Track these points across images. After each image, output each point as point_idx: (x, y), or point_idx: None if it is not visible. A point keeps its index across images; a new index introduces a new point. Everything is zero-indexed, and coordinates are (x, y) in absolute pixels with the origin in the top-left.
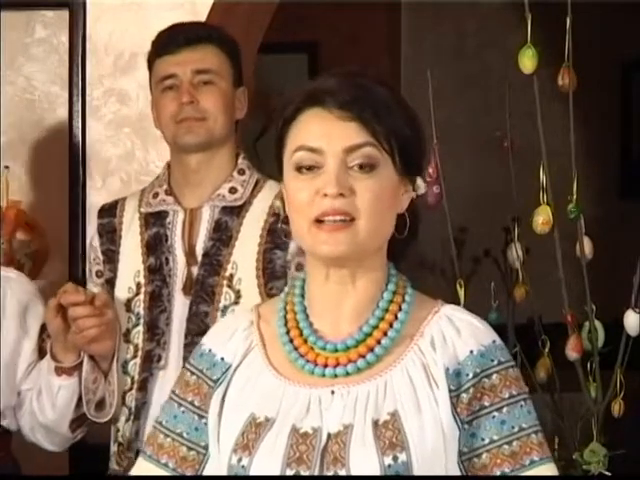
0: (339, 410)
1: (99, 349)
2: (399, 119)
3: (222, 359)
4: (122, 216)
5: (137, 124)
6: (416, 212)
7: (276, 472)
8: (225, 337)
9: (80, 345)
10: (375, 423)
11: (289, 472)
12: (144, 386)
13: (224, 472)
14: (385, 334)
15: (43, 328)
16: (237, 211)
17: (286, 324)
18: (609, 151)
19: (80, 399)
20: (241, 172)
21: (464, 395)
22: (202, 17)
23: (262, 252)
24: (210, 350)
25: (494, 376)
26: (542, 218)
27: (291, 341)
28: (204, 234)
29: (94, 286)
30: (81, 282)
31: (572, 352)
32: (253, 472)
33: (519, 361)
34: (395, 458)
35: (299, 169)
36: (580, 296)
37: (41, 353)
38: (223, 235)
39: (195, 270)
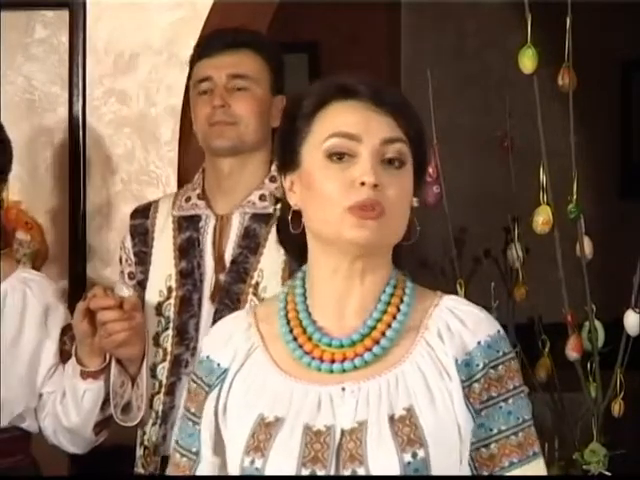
0: (351, 406)
1: (127, 353)
2: (420, 122)
3: (218, 365)
4: (155, 218)
5: (137, 124)
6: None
7: (291, 472)
8: (221, 342)
9: (108, 349)
10: (391, 419)
11: (304, 472)
12: (172, 390)
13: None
14: (389, 326)
15: (64, 330)
16: (266, 219)
17: (288, 323)
18: (609, 151)
19: (105, 402)
20: (272, 179)
21: (476, 385)
22: (202, 17)
23: (288, 261)
24: (208, 357)
25: (500, 367)
26: (542, 218)
27: (295, 339)
28: (233, 241)
29: (126, 288)
30: (81, 282)
31: (572, 352)
32: (268, 473)
33: (519, 361)
34: (414, 455)
35: (330, 156)
36: (580, 296)
37: (62, 356)
38: (251, 243)
39: (222, 277)
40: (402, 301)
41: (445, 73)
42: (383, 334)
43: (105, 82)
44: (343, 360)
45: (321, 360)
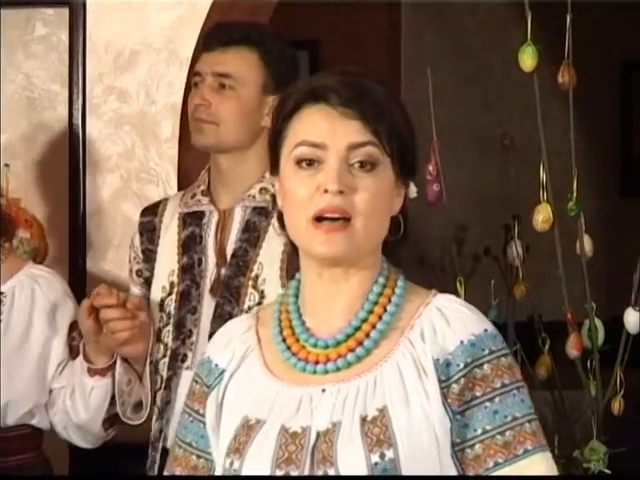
0: (329, 408)
1: (131, 351)
2: (398, 120)
3: (216, 365)
4: (162, 215)
5: (137, 122)
6: (406, 215)
7: (265, 473)
8: (222, 344)
9: (112, 347)
10: (363, 420)
11: (278, 473)
12: (169, 385)
13: None
14: (374, 327)
15: (73, 326)
16: (266, 212)
17: (280, 324)
18: (609, 149)
19: (113, 399)
20: None
21: (454, 386)
22: (202, 15)
23: (287, 253)
24: (209, 357)
25: (485, 366)
26: (542, 216)
27: (284, 341)
28: (235, 235)
29: (134, 285)
30: (82, 279)
31: (572, 350)
32: (244, 474)
33: (519, 359)
34: (382, 455)
35: (299, 163)
36: (580, 294)
37: (71, 351)
38: (251, 236)
39: (223, 271)
40: (390, 301)
41: (445, 71)
42: (367, 335)
43: (105, 80)
44: (327, 361)
45: (306, 361)
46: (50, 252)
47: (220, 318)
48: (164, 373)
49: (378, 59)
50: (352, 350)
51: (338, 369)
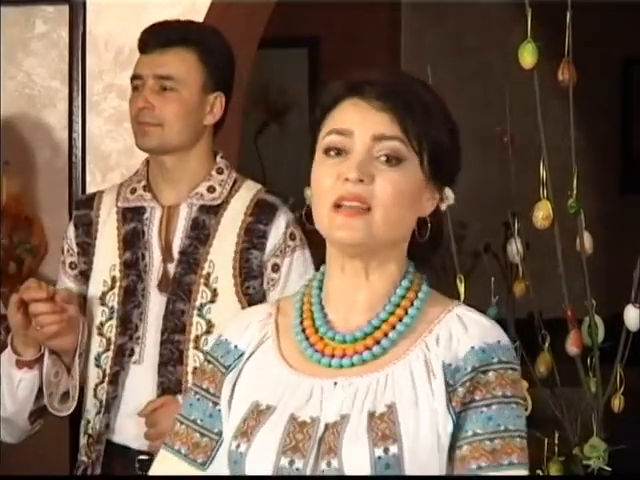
0: (339, 401)
1: (59, 344)
2: (436, 124)
3: (236, 347)
4: (99, 209)
5: None
6: (440, 220)
7: (271, 459)
8: (241, 327)
9: (40, 340)
10: (371, 415)
11: (283, 459)
12: (115, 380)
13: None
14: (393, 327)
15: None
16: (215, 210)
17: (302, 315)
18: (609, 146)
19: (40, 391)
20: (219, 171)
21: (460, 389)
22: (202, 12)
23: (239, 251)
24: (226, 339)
25: (490, 373)
26: (542, 213)
27: (303, 331)
28: (181, 232)
29: (67, 277)
30: None
31: (572, 347)
32: (250, 459)
33: (519, 356)
34: (386, 450)
35: (327, 152)
36: (580, 291)
37: None
38: (200, 234)
39: (171, 267)
40: (412, 305)
41: (445, 70)
42: (385, 335)
43: (105, 77)
44: (342, 356)
45: (322, 353)
46: (49, 250)
47: (172, 315)
48: (107, 367)
49: (378, 58)
50: (369, 348)
51: (352, 365)
